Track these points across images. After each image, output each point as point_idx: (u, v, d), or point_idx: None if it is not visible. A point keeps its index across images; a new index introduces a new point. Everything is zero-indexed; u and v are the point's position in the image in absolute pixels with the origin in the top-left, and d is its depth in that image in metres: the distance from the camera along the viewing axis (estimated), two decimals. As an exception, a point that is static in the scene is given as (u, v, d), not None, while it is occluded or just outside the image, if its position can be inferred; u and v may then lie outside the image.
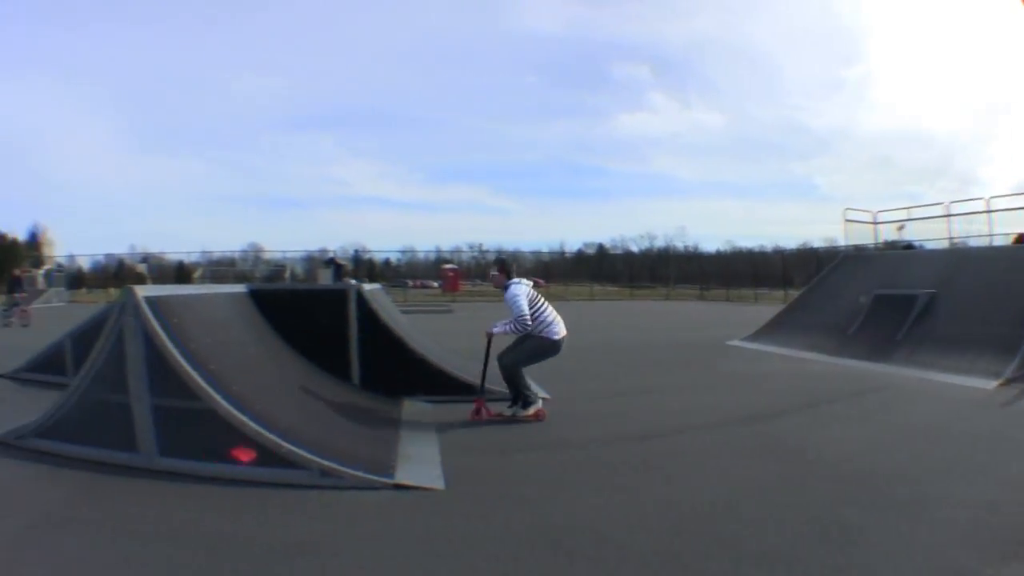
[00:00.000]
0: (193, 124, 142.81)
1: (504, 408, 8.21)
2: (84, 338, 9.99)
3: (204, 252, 69.24)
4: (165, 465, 5.91)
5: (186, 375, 5.87)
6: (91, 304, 42.40)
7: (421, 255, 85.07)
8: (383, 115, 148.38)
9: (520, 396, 8.18)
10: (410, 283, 64.46)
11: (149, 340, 6.00)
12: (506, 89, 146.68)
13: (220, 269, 60.11)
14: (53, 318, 24.54)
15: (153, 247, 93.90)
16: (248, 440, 5.67)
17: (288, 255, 63.50)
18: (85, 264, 68.66)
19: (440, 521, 4.76)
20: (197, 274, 55.82)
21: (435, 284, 67.16)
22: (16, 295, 25.75)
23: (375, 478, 5.48)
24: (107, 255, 67.00)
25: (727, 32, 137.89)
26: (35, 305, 39.22)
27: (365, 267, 61.11)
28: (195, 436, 5.94)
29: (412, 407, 8.55)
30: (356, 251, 65.14)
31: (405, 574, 3.99)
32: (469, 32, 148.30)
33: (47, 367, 11.18)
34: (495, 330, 8.14)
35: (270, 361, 8.31)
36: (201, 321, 7.22)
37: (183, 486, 5.58)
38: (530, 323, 8.03)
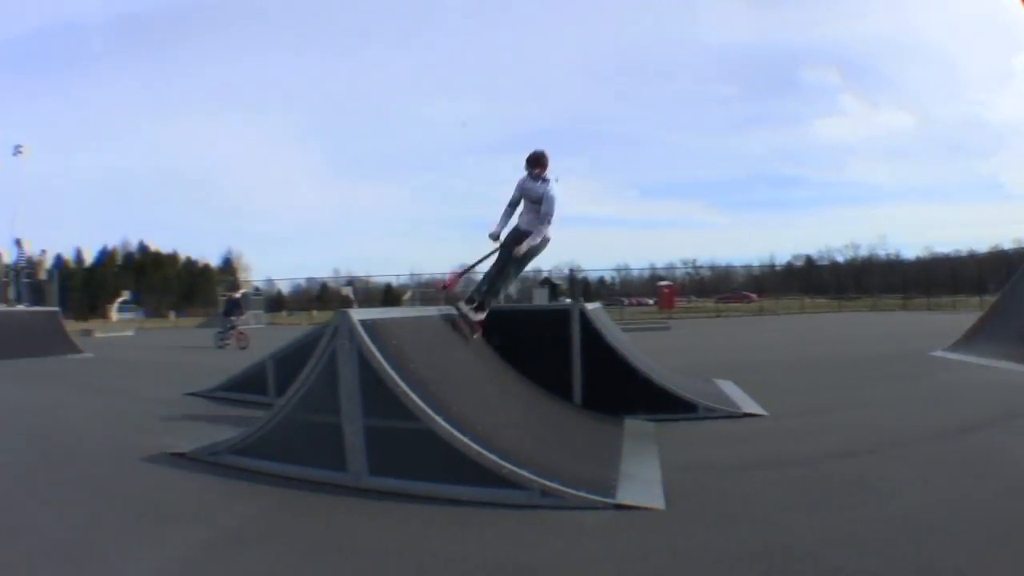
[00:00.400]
0: (396, 150, 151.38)
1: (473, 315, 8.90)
2: (287, 360, 10.38)
3: (413, 275, 71.21)
4: (374, 484, 6.00)
5: (404, 396, 5.90)
6: (291, 326, 44.63)
7: (635, 272, 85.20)
8: (588, 134, 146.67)
9: (484, 301, 8.94)
10: (626, 301, 64.22)
11: (365, 362, 6.06)
12: (706, 100, 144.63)
13: (430, 291, 60.66)
14: (253, 340, 25.62)
15: (358, 271, 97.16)
16: (470, 461, 5.63)
17: None
18: (284, 288, 71.62)
19: (660, 542, 4.62)
20: (406, 296, 57.19)
21: (650, 301, 66.91)
22: (233, 317, 25.75)
23: (596, 498, 5.32)
24: (308, 279, 70.02)
25: (900, 28, 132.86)
26: None
27: (580, 286, 61.34)
28: (410, 456, 5.98)
29: (633, 426, 8.33)
30: (571, 270, 65.58)
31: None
32: (665, 46, 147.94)
33: (245, 387, 11.67)
34: (529, 241, 8.57)
35: (490, 381, 8.32)
36: (419, 342, 7.29)
37: (394, 504, 5.66)
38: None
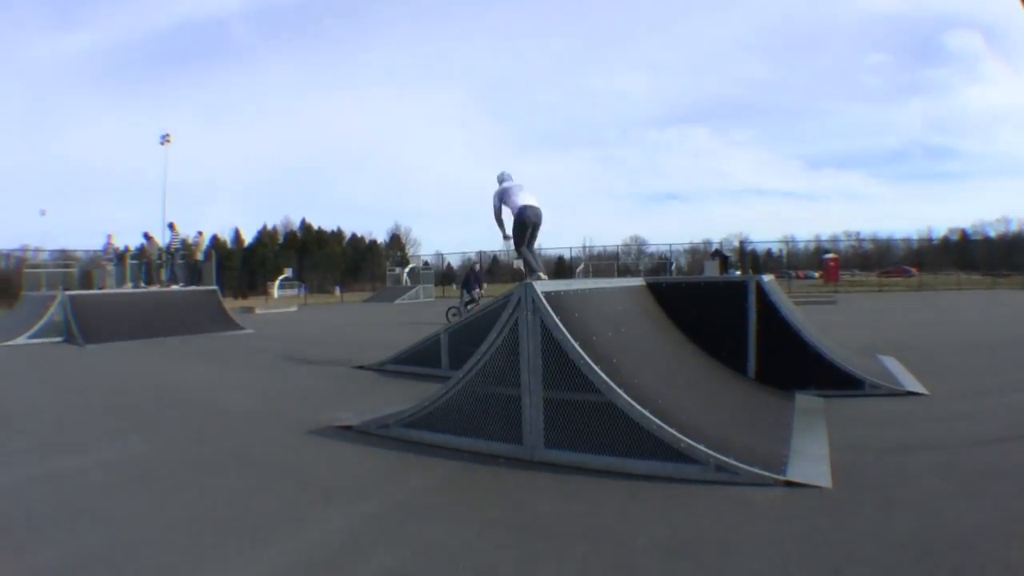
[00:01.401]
0: (567, 123, 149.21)
1: None
2: (461, 332, 10.72)
3: (585, 247, 71.52)
4: (549, 457, 6.10)
5: (587, 368, 5.94)
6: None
7: (800, 245, 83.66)
8: (751, 105, 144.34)
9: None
10: (793, 273, 63.08)
11: (548, 334, 6.13)
12: (861, 69, 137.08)
13: (602, 263, 61.35)
14: (422, 313, 26.10)
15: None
16: (648, 434, 5.65)
17: (674, 247, 65.18)
18: (454, 261, 72.76)
19: (824, 522, 4.63)
20: (579, 268, 57.40)
21: (815, 274, 65.26)
22: (475, 291, 23.87)
23: (768, 474, 5.37)
24: (479, 252, 70.87)
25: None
26: (400, 301, 41.08)
27: (748, 258, 60.64)
28: (587, 429, 5.97)
29: (803, 400, 8.31)
30: (742, 242, 64.66)
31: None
32: (814, 14, 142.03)
33: (416, 360, 11.91)
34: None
35: (669, 354, 8.32)
36: (602, 315, 7.35)
37: (567, 478, 5.74)
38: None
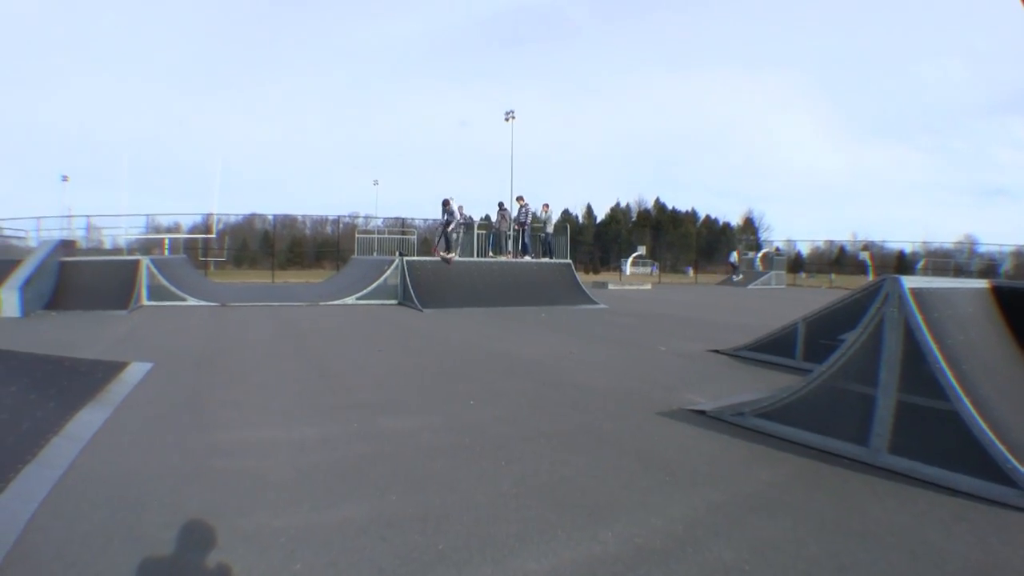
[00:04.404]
0: (903, 111, 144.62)
1: None
2: (819, 323, 10.66)
3: (926, 242, 67.54)
4: (889, 463, 6.14)
5: (940, 373, 5.91)
6: (810, 288, 44.08)
7: None
8: None
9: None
10: None
11: (910, 333, 6.20)
12: None
13: (939, 261, 58.47)
14: (776, 302, 26.06)
15: (875, 235, 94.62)
16: (980, 450, 5.55)
17: (1005, 249, 60.55)
18: (804, 249, 71.77)
19: None
20: (920, 265, 55.21)
21: None
22: None
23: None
24: (828, 241, 69.54)
25: None
26: (753, 286, 41.23)
27: None
28: (928, 437, 6.00)
29: None
30: None
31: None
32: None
33: (771, 348, 11.97)
34: None
35: (1010, 364, 7.98)
36: (956, 317, 7.17)
37: (901, 487, 5.75)
38: None
